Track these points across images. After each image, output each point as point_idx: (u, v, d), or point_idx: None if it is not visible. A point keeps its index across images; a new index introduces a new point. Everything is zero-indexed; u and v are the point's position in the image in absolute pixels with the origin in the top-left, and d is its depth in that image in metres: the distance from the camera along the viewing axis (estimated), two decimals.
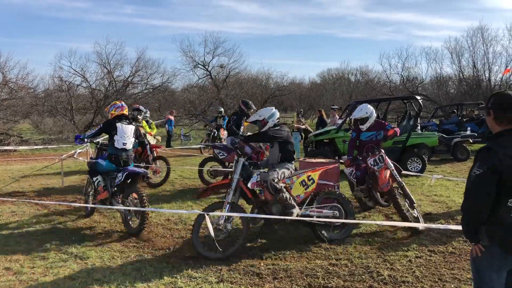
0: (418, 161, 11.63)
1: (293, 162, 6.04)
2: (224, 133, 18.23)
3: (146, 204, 6.42)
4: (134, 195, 6.62)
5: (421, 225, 5.62)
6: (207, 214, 5.14)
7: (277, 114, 6.10)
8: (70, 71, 31.27)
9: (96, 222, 7.11)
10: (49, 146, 19.64)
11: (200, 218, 5.47)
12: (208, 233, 5.19)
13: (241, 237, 5.60)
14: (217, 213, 5.51)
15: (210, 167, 9.96)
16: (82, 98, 32.55)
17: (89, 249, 5.73)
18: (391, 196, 6.48)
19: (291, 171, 5.95)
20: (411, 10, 77.86)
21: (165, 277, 4.75)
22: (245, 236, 5.60)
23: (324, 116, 18.25)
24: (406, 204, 6.44)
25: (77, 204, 7.56)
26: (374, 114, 7.16)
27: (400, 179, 6.62)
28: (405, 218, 6.25)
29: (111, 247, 5.88)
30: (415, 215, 6.38)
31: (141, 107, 11.80)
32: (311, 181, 5.95)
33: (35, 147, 19.23)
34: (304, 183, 5.90)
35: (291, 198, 5.71)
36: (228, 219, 5.55)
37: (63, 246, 5.88)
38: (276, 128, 5.99)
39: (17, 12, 68.42)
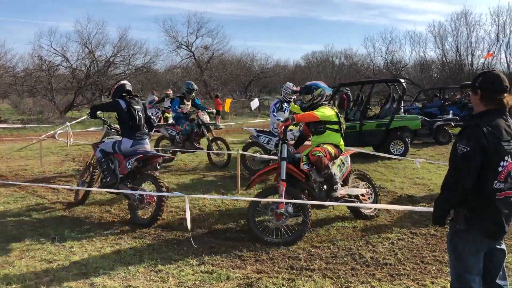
0: (401, 144, 11.65)
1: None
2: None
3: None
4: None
5: (406, 208, 5.60)
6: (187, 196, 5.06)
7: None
8: (50, 50, 30.62)
9: (75, 204, 6.95)
10: (28, 126, 19.25)
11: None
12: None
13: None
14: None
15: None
16: (62, 78, 31.96)
17: (67, 232, 5.59)
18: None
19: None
20: None
21: (145, 260, 4.66)
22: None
23: None
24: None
25: (56, 186, 7.40)
26: None
27: None
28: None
29: (90, 229, 5.75)
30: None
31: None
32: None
33: (14, 125, 18.83)
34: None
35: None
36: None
37: (40, 229, 5.73)
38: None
39: None
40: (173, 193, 5.33)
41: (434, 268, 4.46)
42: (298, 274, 4.33)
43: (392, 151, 11.40)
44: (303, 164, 5.45)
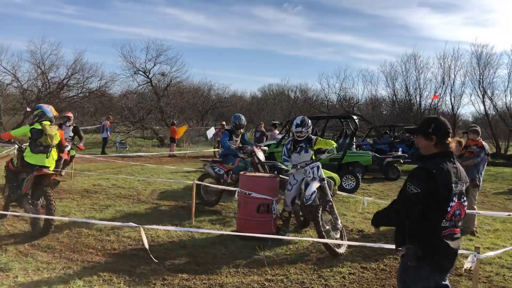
0: (352, 178, 11.99)
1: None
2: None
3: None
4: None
5: (348, 243, 5.75)
6: (142, 227, 5.00)
7: None
8: (0, 69, 29.52)
9: (21, 231, 6.67)
10: None
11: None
12: None
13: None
14: None
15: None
16: (12, 98, 30.83)
17: (12, 260, 5.35)
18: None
19: None
20: (351, 33, 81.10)
21: None
22: None
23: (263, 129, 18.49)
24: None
25: (3, 212, 7.08)
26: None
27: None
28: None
29: (36, 258, 5.52)
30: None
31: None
32: None
33: None
34: None
35: None
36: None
37: None
38: None
39: None
40: (128, 224, 5.22)
41: None
42: None
43: (344, 185, 11.70)
44: None
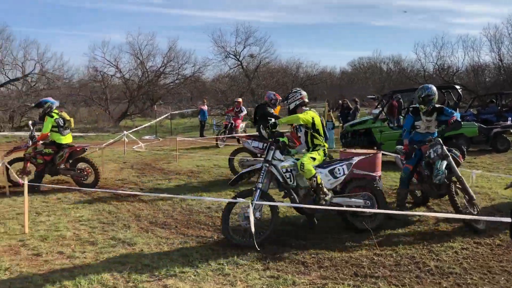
0: (457, 151, 11.37)
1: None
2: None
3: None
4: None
5: (468, 217, 5.47)
6: (251, 203, 5.22)
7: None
8: (104, 62, 31.89)
9: (139, 210, 7.28)
10: (86, 134, 20.14)
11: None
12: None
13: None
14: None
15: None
16: (116, 88, 33.23)
17: (136, 236, 5.89)
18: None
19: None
20: None
21: (212, 264, 4.85)
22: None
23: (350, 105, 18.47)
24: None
25: (121, 192, 7.78)
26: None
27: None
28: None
29: (156, 234, 6.02)
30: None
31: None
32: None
33: (74, 134, 19.78)
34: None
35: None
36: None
37: (110, 232, 6.06)
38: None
39: (44, 3, 69.52)
40: (238, 199, 5.49)
41: (503, 278, 4.39)
42: (363, 281, 4.38)
43: None
44: None
